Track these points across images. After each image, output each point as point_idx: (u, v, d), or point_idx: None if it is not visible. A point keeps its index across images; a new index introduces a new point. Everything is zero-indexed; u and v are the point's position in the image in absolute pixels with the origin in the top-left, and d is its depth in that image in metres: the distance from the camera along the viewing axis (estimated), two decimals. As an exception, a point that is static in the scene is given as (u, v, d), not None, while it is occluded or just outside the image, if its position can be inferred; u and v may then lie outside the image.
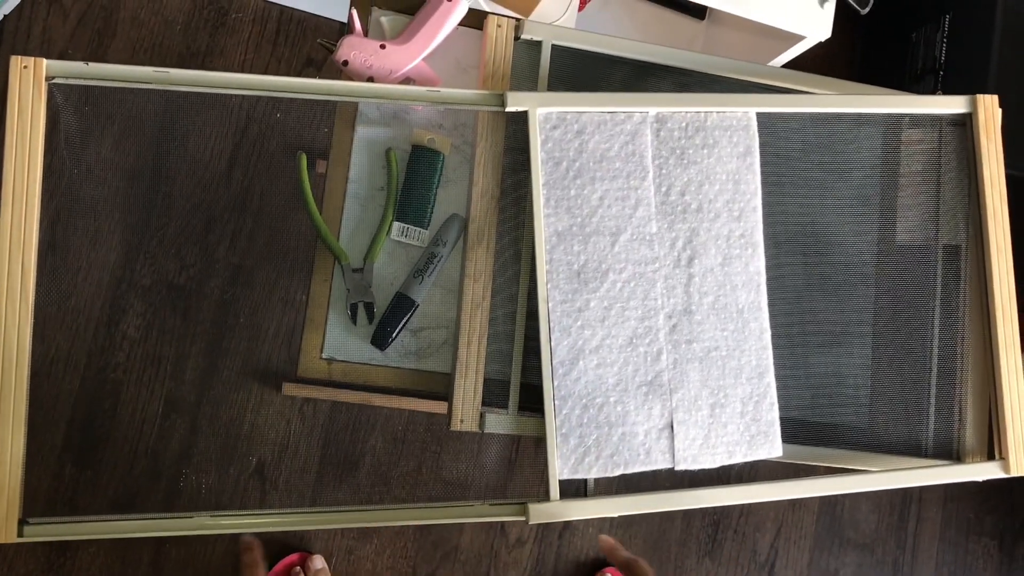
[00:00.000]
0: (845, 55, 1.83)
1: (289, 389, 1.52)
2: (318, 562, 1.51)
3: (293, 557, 1.51)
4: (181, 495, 1.51)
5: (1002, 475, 1.02)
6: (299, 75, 1.64)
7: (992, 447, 1.04)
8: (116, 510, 1.50)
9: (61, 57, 1.56)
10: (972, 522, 1.79)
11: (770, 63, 1.40)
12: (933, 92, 1.59)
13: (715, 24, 1.63)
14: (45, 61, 0.85)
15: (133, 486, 1.50)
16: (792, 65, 1.33)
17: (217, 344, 1.56)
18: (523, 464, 1.62)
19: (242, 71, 1.60)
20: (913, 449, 1.05)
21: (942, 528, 1.78)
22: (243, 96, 0.89)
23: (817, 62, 1.73)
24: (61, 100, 0.88)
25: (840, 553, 1.74)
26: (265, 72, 1.62)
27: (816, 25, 1.27)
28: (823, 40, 1.29)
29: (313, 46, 1.65)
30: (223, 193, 1.59)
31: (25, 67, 0.85)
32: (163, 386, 1.53)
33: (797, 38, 1.32)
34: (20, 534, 0.82)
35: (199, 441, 1.53)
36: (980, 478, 1.02)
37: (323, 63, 1.65)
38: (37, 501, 0.79)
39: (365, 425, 1.59)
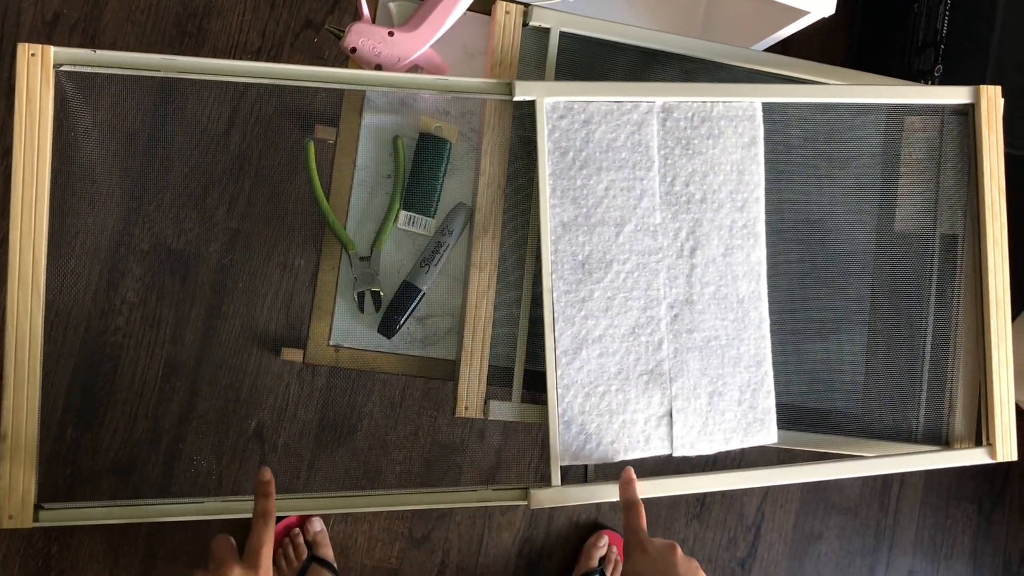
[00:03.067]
0: (845, 25, 1.82)
1: (288, 354, 1.53)
2: (317, 524, 1.54)
3: (292, 519, 1.54)
4: (181, 457, 1.54)
5: (988, 461, 1.05)
6: (297, 37, 1.63)
7: (980, 433, 1.07)
8: (117, 472, 1.52)
9: (56, 17, 1.54)
10: (953, 487, 1.84)
11: (773, 35, 1.39)
12: (934, 65, 1.59)
13: (718, -7, 1.62)
14: (52, 49, 0.84)
15: (134, 448, 1.53)
16: (793, 34, 1.33)
17: (216, 308, 1.57)
18: (517, 429, 1.65)
19: (240, 33, 1.59)
20: (904, 435, 1.08)
21: (924, 492, 1.82)
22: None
23: (817, 32, 1.72)
24: (69, 88, 0.87)
25: (824, 517, 1.78)
26: (263, 34, 1.61)
27: (820, 0, 1.26)
28: (827, 16, 1.29)
29: (312, 7, 1.63)
30: (221, 156, 1.58)
31: (33, 55, 0.84)
32: (163, 349, 1.55)
33: (801, 12, 1.32)
34: (36, 519, 0.84)
35: (199, 404, 1.55)
36: (968, 463, 1.05)
37: (319, 29, 1.63)
38: (39, 461, 0.80)
39: (363, 389, 1.61)
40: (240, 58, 1.60)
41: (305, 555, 1.52)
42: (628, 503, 0.89)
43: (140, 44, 1.57)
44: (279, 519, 1.54)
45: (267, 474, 0.83)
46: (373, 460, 1.61)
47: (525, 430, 1.65)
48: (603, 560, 1.63)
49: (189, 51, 1.59)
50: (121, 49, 1.55)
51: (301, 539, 1.53)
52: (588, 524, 1.68)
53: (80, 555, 1.51)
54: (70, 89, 0.89)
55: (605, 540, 1.64)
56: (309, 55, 1.63)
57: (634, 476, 0.91)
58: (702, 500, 1.73)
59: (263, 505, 0.81)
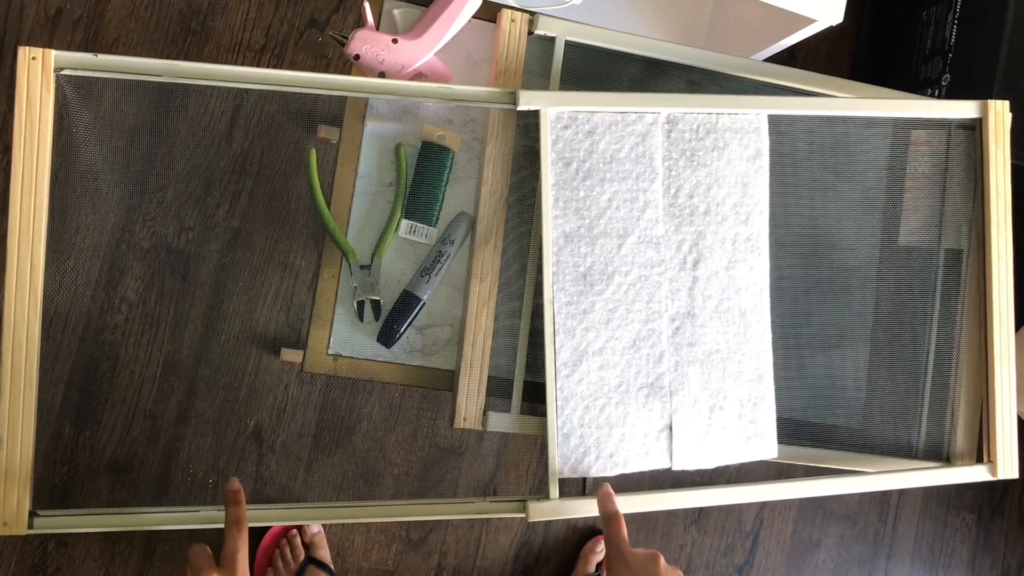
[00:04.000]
0: (852, 32, 1.81)
1: (287, 355, 1.53)
2: (314, 526, 1.54)
3: (289, 520, 1.54)
4: (179, 457, 1.53)
5: (989, 478, 1.04)
6: (301, 35, 1.62)
7: (981, 450, 1.06)
8: (115, 470, 1.52)
9: (59, 12, 1.54)
10: (953, 497, 1.83)
11: (779, 42, 1.39)
12: (941, 74, 1.58)
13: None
14: (53, 52, 0.84)
15: (132, 446, 1.52)
16: (801, 40, 1.32)
17: (216, 307, 1.56)
18: (517, 434, 1.64)
19: (244, 31, 1.58)
20: (905, 451, 1.07)
21: (924, 501, 1.82)
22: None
23: (824, 39, 1.72)
24: (69, 91, 0.87)
25: (823, 524, 1.78)
26: (267, 32, 1.60)
27: (828, 9, 1.26)
28: (834, 24, 1.28)
29: (316, 6, 1.62)
30: (223, 155, 1.57)
31: (33, 58, 0.83)
32: (162, 348, 1.54)
33: (808, 20, 1.31)
34: (30, 526, 0.84)
35: (197, 403, 1.55)
36: (968, 480, 1.04)
37: (323, 28, 1.62)
38: (36, 461, 0.79)
39: (362, 391, 1.60)
40: (244, 56, 1.59)
41: (302, 557, 1.51)
42: (608, 516, 0.89)
43: (143, 41, 1.56)
44: (267, 528, 1.53)
45: (235, 484, 0.84)
46: (371, 462, 1.61)
47: (524, 435, 1.65)
48: (600, 566, 1.62)
49: (192, 48, 1.58)
50: (124, 45, 1.55)
51: (298, 541, 1.53)
52: (586, 529, 1.68)
53: (76, 553, 1.51)
54: (70, 92, 0.88)
55: (602, 546, 1.63)
56: (313, 54, 1.62)
57: (612, 491, 0.92)
58: (700, 507, 1.73)
59: (234, 512, 0.82)
